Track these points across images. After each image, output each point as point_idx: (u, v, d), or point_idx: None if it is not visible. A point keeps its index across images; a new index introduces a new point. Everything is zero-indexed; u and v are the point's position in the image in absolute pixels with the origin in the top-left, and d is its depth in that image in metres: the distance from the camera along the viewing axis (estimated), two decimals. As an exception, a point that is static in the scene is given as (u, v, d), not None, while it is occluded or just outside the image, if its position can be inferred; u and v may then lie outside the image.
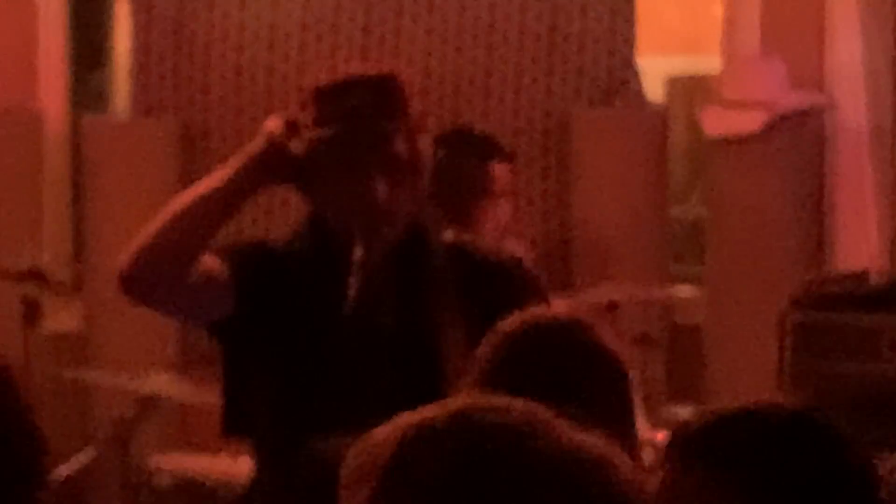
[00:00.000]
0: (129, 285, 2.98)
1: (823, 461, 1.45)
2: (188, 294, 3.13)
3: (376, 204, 3.11)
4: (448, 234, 3.49)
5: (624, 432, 2.14)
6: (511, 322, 2.22)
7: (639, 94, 6.50)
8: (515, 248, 4.58)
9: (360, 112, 3.15)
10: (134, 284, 3.01)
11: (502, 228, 4.63)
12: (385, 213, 3.13)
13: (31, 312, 5.34)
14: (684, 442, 1.46)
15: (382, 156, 3.13)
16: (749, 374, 5.54)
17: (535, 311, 2.46)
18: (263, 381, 3.21)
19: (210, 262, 3.06)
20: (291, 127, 3.09)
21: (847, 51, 6.21)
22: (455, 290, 3.27)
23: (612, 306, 5.20)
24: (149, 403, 4.99)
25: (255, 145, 3.07)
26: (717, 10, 6.53)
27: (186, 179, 5.00)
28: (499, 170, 4.55)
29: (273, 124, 3.15)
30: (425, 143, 3.23)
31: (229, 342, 3.17)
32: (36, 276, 5.32)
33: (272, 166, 3.10)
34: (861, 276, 5.49)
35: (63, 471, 4.82)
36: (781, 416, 1.50)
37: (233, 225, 3.42)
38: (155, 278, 3.04)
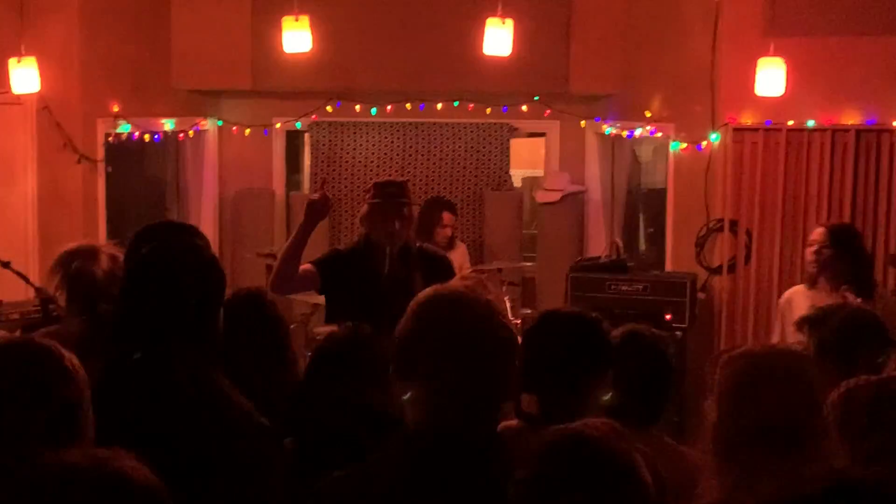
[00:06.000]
0: (275, 289, 4.48)
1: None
2: (298, 286, 4.84)
3: (394, 232, 4.67)
4: (419, 242, 5.06)
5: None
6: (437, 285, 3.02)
7: (511, 185, 8.72)
8: (461, 249, 7.34)
9: (390, 194, 4.76)
10: (276, 289, 4.51)
11: (449, 238, 7.05)
12: (396, 236, 4.69)
13: (269, 269, 6.55)
14: None
15: (398, 213, 4.70)
16: (554, 296, 7.45)
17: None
18: (342, 307, 4.69)
19: (308, 268, 4.68)
20: (323, 196, 4.64)
21: (591, 169, 8.44)
22: (420, 264, 4.78)
23: (500, 270, 7.36)
24: (315, 307, 6.71)
25: (307, 208, 4.61)
26: (542, 151, 8.84)
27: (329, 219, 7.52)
28: (447, 215, 7.05)
29: (312, 197, 4.73)
30: (413, 211, 4.92)
31: (327, 295, 4.85)
32: (272, 255, 6.79)
33: (313, 215, 4.61)
34: (596, 259, 7.20)
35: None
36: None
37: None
38: (281, 286, 4.64)
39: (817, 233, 5.29)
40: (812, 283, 5.23)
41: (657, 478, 1.88)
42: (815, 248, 5.24)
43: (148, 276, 2.72)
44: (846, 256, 5.12)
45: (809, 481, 1.30)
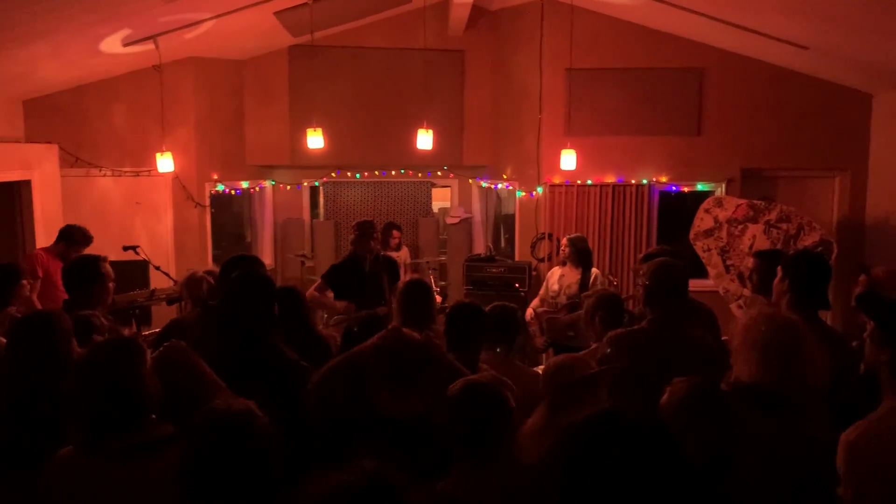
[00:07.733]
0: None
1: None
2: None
3: (369, 249, 4.57)
4: (381, 251, 4.97)
5: (428, 317, 2.92)
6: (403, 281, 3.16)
7: (432, 214, 8.29)
8: (405, 250, 6.87)
9: (366, 228, 4.68)
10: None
11: (397, 244, 6.66)
12: (370, 251, 4.57)
13: (302, 264, 7.03)
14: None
15: (371, 238, 4.62)
16: (456, 275, 7.10)
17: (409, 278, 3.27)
18: (345, 290, 4.36)
19: (320, 284, 4.41)
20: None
21: (475, 205, 7.97)
22: (384, 266, 4.68)
23: (428, 261, 7.10)
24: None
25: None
26: (449, 196, 8.18)
27: (334, 241, 7.67)
28: (396, 232, 6.71)
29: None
30: (378, 235, 4.76)
31: (335, 286, 4.36)
32: (303, 255, 7.21)
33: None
34: (479, 255, 6.91)
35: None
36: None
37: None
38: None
39: (563, 243, 5.26)
40: (563, 265, 5.23)
41: (511, 397, 1.94)
42: (563, 247, 5.21)
43: (237, 291, 2.63)
44: (578, 254, 5.10)
45: (591, 412, 1.04)
